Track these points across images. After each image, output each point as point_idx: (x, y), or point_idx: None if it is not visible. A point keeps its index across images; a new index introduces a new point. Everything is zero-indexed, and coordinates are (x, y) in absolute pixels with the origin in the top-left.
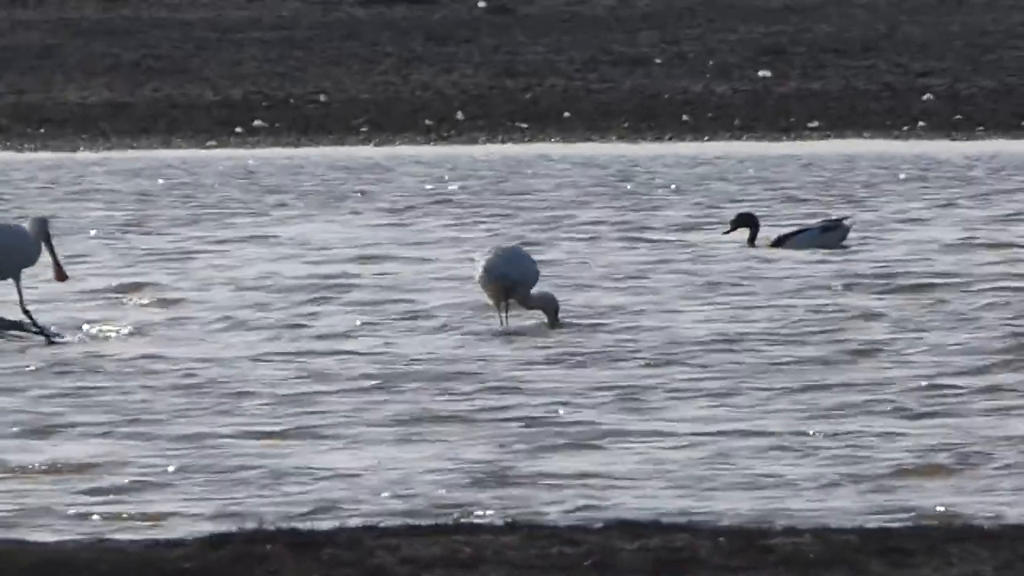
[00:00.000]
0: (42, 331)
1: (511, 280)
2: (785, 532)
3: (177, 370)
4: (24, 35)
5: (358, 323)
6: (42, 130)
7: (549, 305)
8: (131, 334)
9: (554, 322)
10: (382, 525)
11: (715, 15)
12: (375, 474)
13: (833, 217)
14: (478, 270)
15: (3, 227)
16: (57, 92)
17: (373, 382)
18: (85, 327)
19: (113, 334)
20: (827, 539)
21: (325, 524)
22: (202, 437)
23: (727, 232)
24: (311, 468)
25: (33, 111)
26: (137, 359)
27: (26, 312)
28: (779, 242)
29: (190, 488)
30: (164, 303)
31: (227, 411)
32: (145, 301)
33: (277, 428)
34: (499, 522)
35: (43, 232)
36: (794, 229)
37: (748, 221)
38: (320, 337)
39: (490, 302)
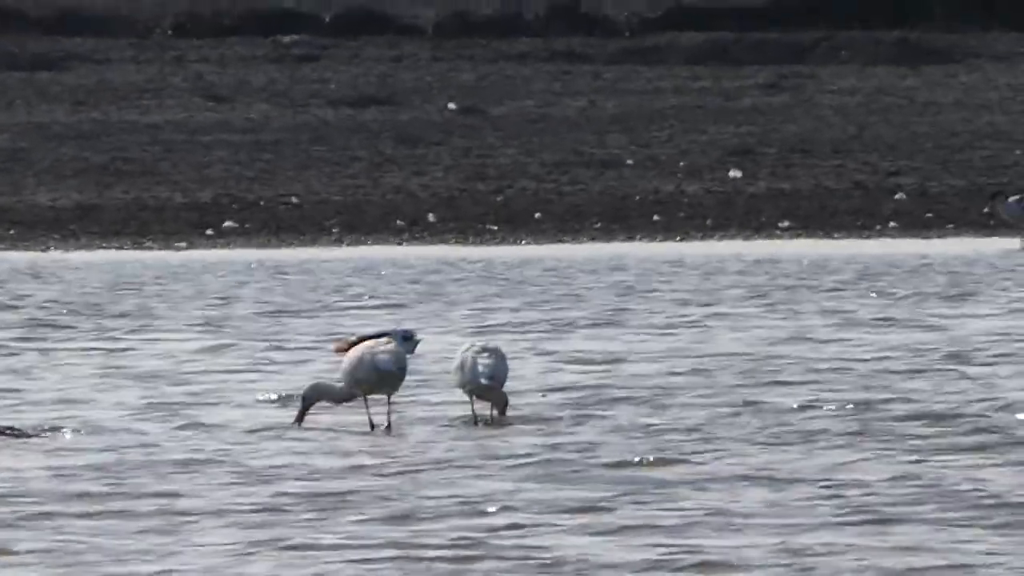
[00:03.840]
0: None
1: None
2: None
3: None
4: None
5: None
6: (12, 231)
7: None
8: None
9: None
10: None
11: (685, 116)
12: None
13: (407, 327)
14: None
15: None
16: (28, 195)
17: None
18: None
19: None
20: None
21: None
22: None
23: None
24: None
25: (3, 213)
26: None
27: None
28: (360, 342)
29: None
30: None
31: None
32: None
33: None
34: None
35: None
36: (375, 332)
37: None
38: None
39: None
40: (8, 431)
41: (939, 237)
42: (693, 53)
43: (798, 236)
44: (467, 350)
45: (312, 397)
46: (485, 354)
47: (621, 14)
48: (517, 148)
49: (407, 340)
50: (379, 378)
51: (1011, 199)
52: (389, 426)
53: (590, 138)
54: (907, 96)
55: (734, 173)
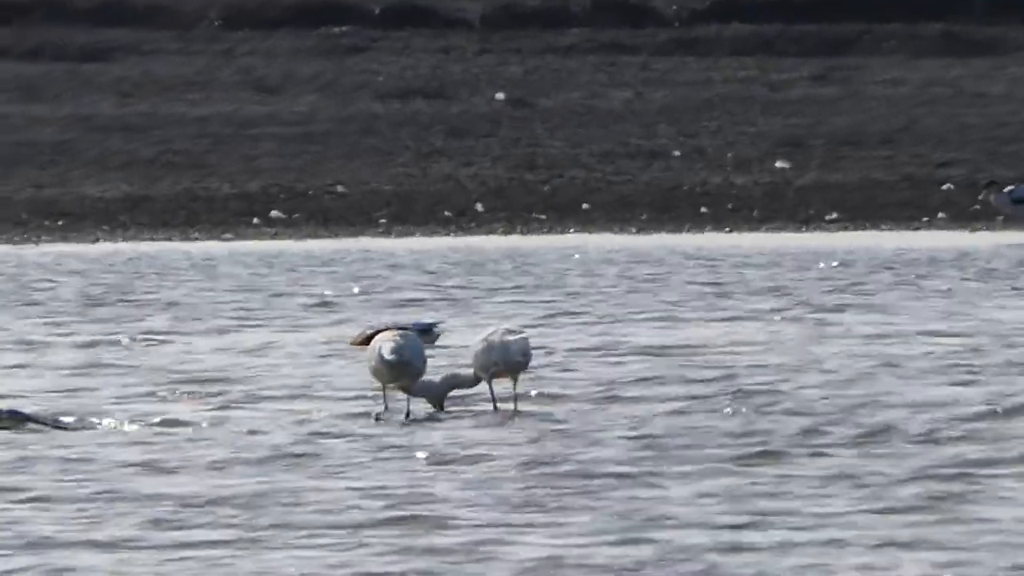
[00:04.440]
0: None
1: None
2: None
3: None
4: (40, 131)
5: None
6: (60, 223)
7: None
8: None
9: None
10: None
11: (733, 108)
12: None
13: (426, 320)
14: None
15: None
16: (75, 187)
17: None
18: None
19: None
20: None
21: None
22: None
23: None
24: None
25: (51, 205)
26: None
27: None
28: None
29: None
30: None
31: None
32: None
33: None
34: None
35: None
36: (389, 325)
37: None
38: None
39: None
40: (52, 423)
41: (987, 229)
42: (740, 44)
43: (845, 228)
44: (491, 334)
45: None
46: (513, 334)
47: (668, 6)
48: (565, 139)
49: (425, 332)
50: (387, 369)
51: (1005, 189)
52: (408, 414)
53: (637, 129)
54: (955, 87)
55: (782, 164)
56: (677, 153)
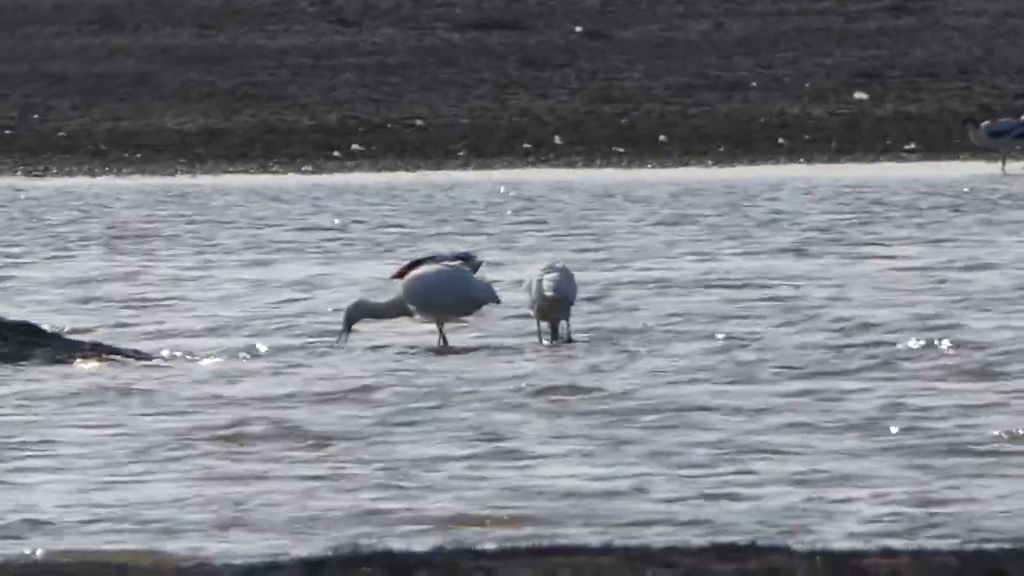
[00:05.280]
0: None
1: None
2: (881, 553)
3: None
4: (120, 62)
5: None
6: (139, 155)
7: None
8: None
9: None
10: (478, 548)
11: (810, 39)
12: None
13: (465, 251)
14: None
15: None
16: (155, 118)
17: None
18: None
19: None
20: (925, 561)
21: (421, 546)
22: None
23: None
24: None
25: (130, 137)
26: None
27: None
28: (413, 267)
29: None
30: None
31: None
32: None
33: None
34: (595, 543)
35: None
36: (426, 255)
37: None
38: None
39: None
40: (133, 354)
41: None
42: None
43: (924, 159)
44: (534, 272)
45: (355, 315)
46: (553, 272)
47: None
48: (642, 71)
49: (463, 263)
50: (465, 304)
51: (982, 124)
52: (444, 343)
53: (715, 61)
54: None
55: (860, 95)
56: (754, 84)
